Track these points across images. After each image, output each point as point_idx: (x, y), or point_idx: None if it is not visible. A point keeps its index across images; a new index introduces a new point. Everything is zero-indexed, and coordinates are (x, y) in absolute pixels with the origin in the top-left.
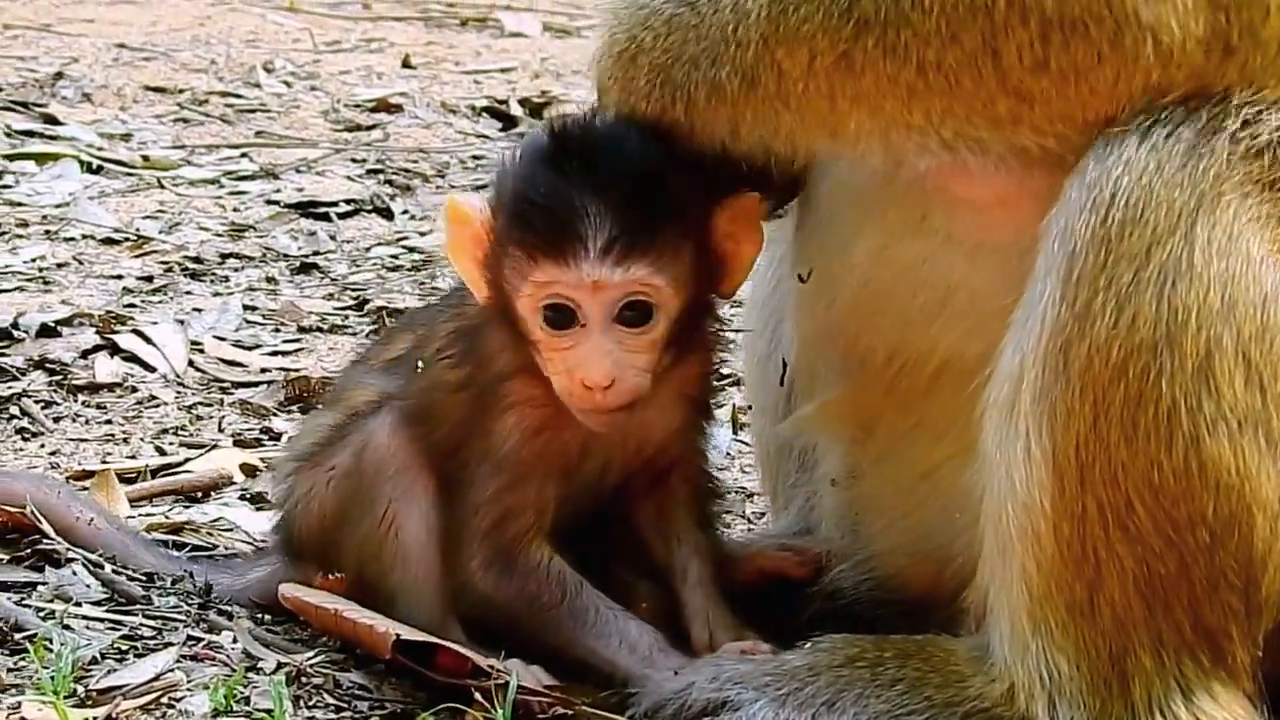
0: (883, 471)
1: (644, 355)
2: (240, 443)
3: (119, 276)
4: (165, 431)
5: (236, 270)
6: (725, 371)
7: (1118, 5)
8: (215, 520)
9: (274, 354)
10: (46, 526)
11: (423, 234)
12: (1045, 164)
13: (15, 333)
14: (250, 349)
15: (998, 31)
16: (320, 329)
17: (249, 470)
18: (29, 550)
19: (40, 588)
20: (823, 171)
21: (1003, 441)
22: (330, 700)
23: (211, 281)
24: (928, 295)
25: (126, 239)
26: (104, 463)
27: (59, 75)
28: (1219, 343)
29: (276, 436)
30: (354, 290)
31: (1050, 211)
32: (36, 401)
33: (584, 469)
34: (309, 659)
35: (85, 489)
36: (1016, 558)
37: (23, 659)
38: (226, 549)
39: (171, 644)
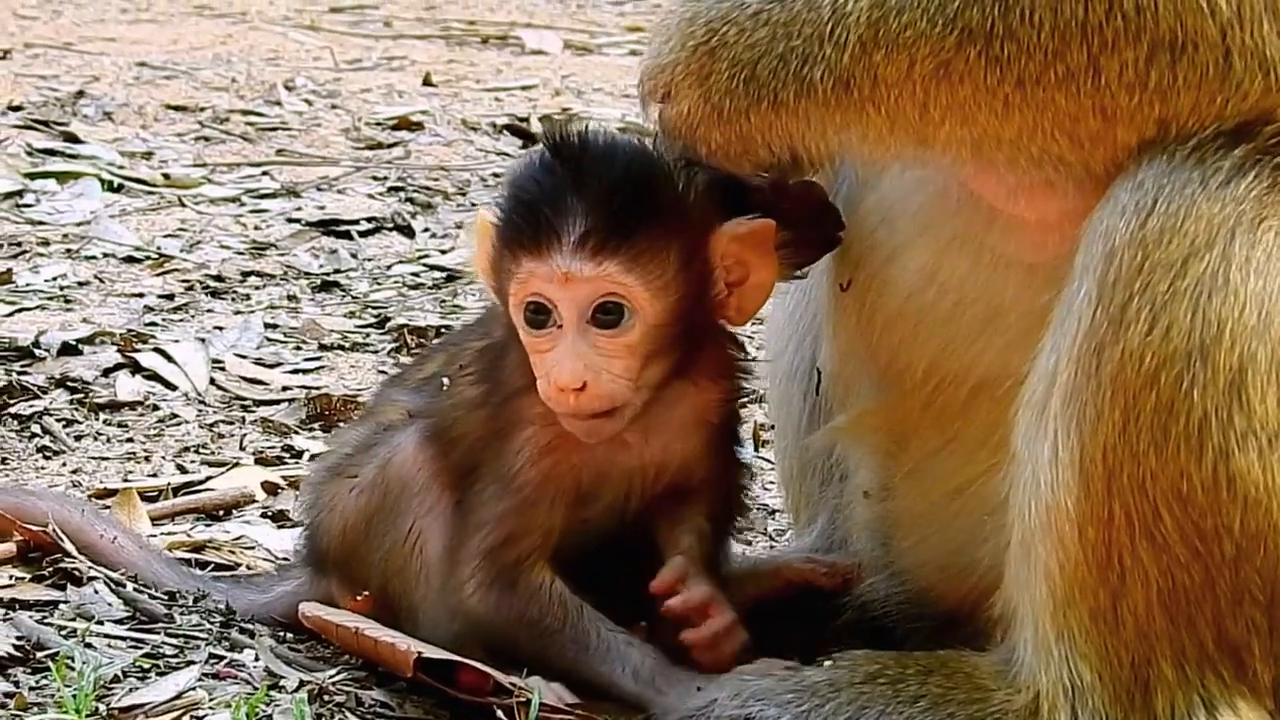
0: (915, 486)
1: (620, 360)
2: (262, 461)
3: (140, 295)
4: (187, 450)
5: (258, 288)
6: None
7: (1232, 31)
8: (237, 539)
9: (295, 372)
10: (69, 545)
11: (444, 252)
12: (1106, 183)
13: (37, 351)
14: (271, 367)
15: (1105, 49)
16: (341, 347)
17: (270, 488)
18: (51, 569)
19: (62, 606)
20: (872, 184)
21: (1032, 441)
22: (352, 718)
23: (233, 299)
24: (974, 313)
25: (148, 257)
26: (125, 481)
27: (80, 94)
28: (1253, 358)
29: (298, 454)
30: (375, 308)
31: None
32: (58, 420)
33: (603, 495)
34: (331, 677)
35: (107, 507)
36: (1040, 559)
37: (45, 677)
38: (249, 568)
39: (193, 662)
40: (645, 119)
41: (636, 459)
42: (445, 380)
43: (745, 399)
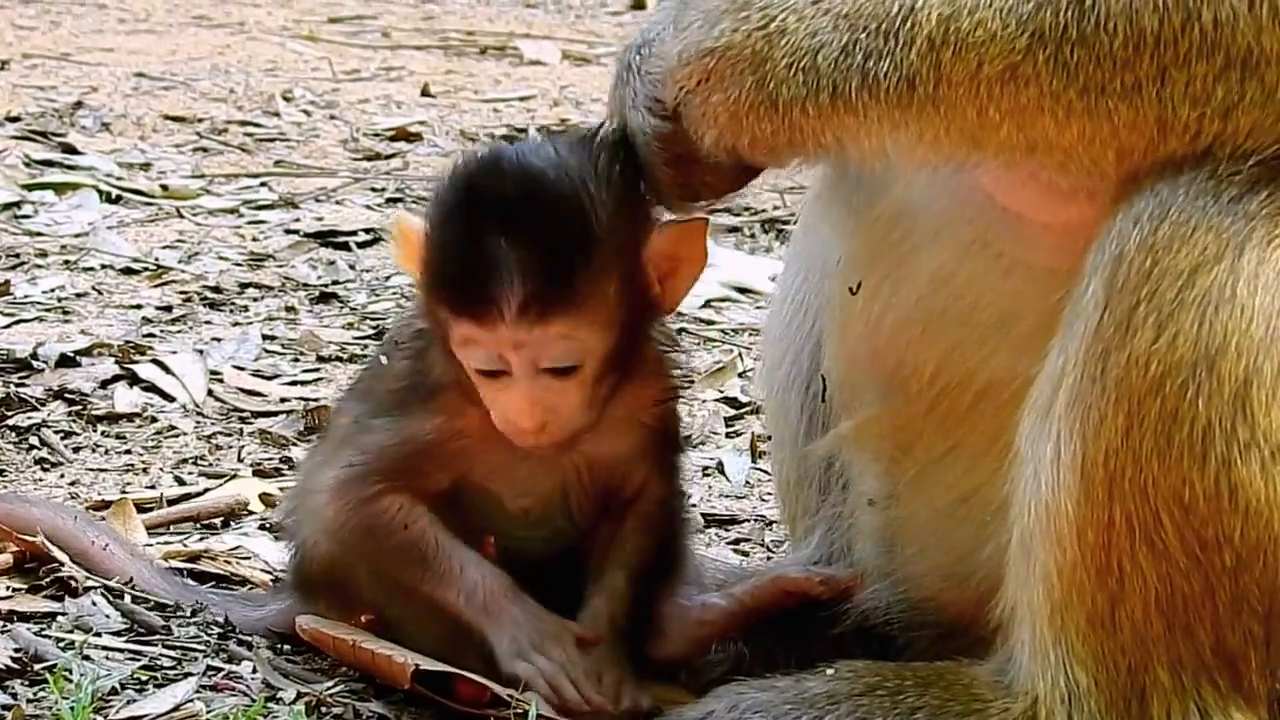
0: (919, 493)
1: (575, 395)
2: (260, 472)
3: (138, 306)
4: (185, 461)
5: (256, 300)
6: (743, 400)
7: None
8: (234, 549)
9: (293, 383)
10: (57, 552)
11: None
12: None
13: (34, 363)
14: (270, 378)
15: (1177, 62)
16: (340, 358)
17: (269, 500)
18: (48, 579)
19: (60, 618)
20: (883, 188)
21: (1035, 441)
22: None
23: (231, 311)
24: (986, 316)
25: (145, 268)
26: (124, 493)
27: (78, 105)
28: (1258, 372)
29: (296, 466)
30: (374, 319)
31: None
32: (56, 432)
33: (537, 487)
34: (329, 689)
35: (103, 518)
36: (1039, 559)
37: (42, 689)
38: (246, 580)
39: (191, 674)
40: (664, 102)
41: (563, 451)
42: (383, 359)
43: (681, 400)
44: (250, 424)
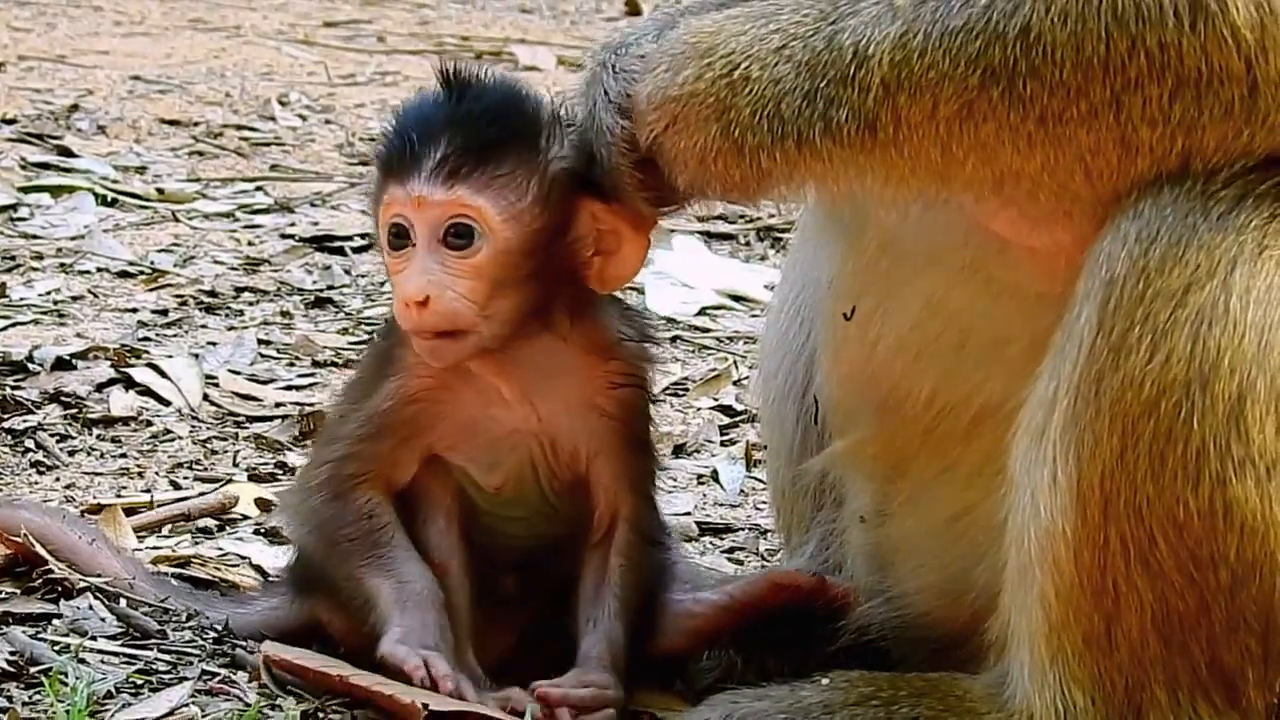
0: (913, 512)
1: (466, 281)
2: (255, 477)
3: (134, 310)
4: (180, 465)
5: (251, 304)
6: (738, 408)
7: (1258, 64)
8: (224, 554)
9: (288, 388)
10: (43, 551)
11: None
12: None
13: (30, 366)
14: (265, 383)
15: (1128, 86)
16: (335, 363)
17: (264, 505)
18: (41, 581)
19: (55, 621)
20: (875, 214)
21: (1030, 465)
22: None
23: (226, 315)
24: (979, 341)
25: (141, 272)
26: (119, 496)
27: (74, 108)
28: (1252, 388)
29: (291, 471)
30: (369, 324)
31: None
32: (51, 435)
33: (501, 460)
34: (326, 696)
35: (95, 522)
36: (1036, 582)
37: (38, 693)
38: (235, 585)
39: (187, 678)
40: (639, 143)
41: (520, 419)
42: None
43: (648, 393)
44: (245, 428)
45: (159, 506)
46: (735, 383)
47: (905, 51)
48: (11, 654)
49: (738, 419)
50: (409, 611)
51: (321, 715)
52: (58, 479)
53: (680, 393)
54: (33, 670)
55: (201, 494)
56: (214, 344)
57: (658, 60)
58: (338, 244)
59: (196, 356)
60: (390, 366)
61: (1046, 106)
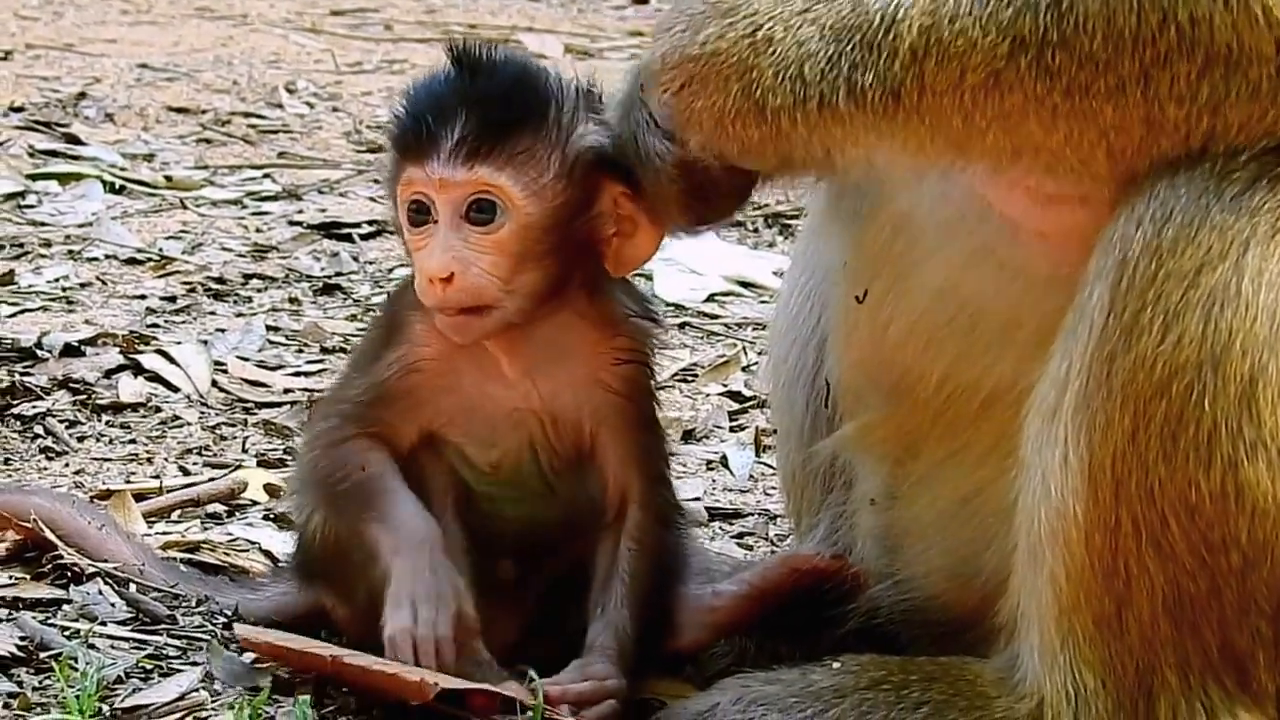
0: (923, 494)
1: (489, 257)
2: (264, 463)
3: (142, 296)
4: (189, 451)
5: (259, 291)
6: (747, 394)
7: None
8: (233, 540)
9: (297, 374)
10: (52, 537)
11: None
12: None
13: (39, 352)
14: (273, 369)
15: (1157, 61)
16: (343, 350)
17: (273, 490)
18: (50, 567)
19: (65, 607)
20: (888, 196)
21: (1042, 446)
22: None
23: (235, 302)
24: (991, 324)
25: (149, 259)
26: (128, 482)
27: (81, 95)
28: (1264, 370)
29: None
30: (376, 311)
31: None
32: (60, 421)
33: (499, 439)
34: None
35: (105, 508)
36: (1046, 564)
37: (48, 678)
38: (244, 571)
39: (197, 663)
40: (647, 103)
41: (520, 397)
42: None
43: (652, 370)
44: (254, 414)
45: (168, 492)
46: (744, 369)
47: (935, 18)
48: (21, 639)
49: (747, 405)
50: (408, 561)
51: (329, 700)
52: (67, 465)
53: (689, 379)
54: (42, 655)
55: (211, 480)
56: (222, 330)
57: (674, 20)
58: (346, 231)
59: (205, 343)
60: (394, 336)
61: (1074, 79)
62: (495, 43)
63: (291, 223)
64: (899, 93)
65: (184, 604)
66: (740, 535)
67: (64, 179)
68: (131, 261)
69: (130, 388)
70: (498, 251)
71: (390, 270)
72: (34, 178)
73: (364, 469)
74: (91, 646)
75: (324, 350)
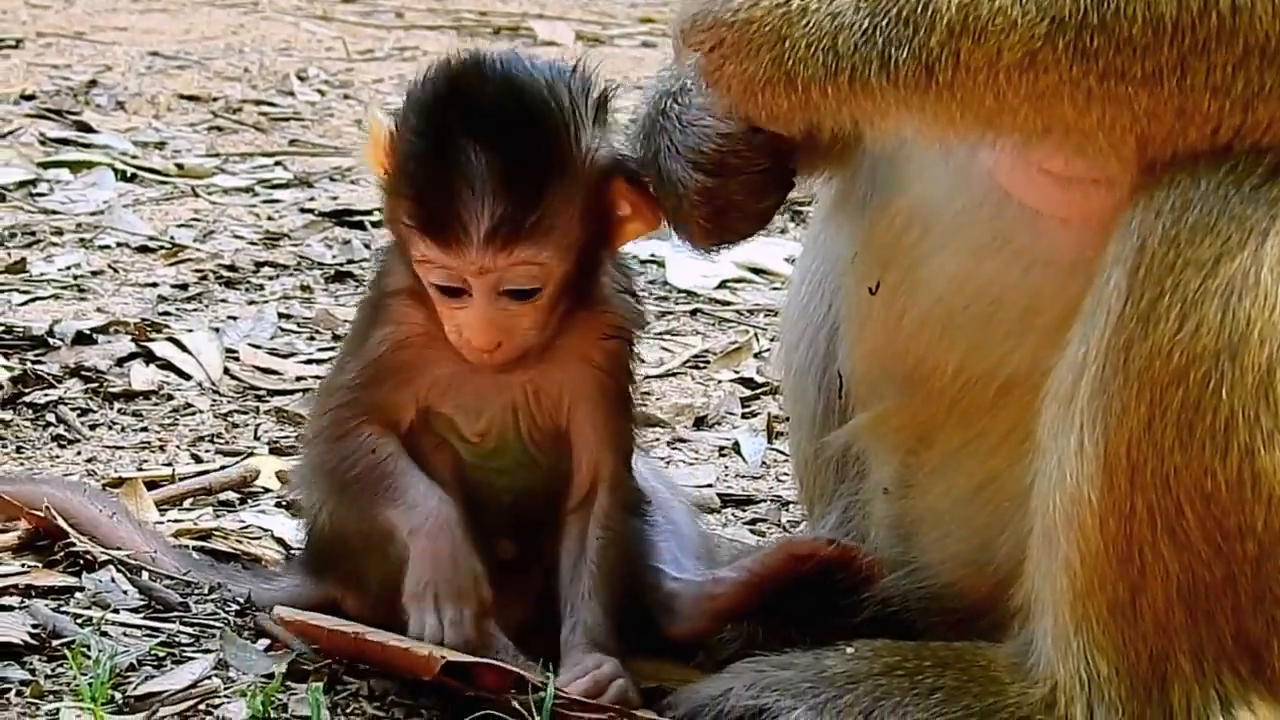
0: (938, 483)
1: (530, 318)
2: (276, 450)
3: (154, 284)
4: (201, 439)
5: (271, 278)
6: (759, 381)
7: None
8: (245, 527)
9: (309, 362)
10: (64, 524)
11: None
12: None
13: (51, 340)
14: (285, 357)
15: (1196, 49)
16: None
17: (285, 478)
18: (62, 555)
19: (78, 594)
20: (900, 186)
21: (1058, 432)
22: (368, 708)
23: (246, 290)
24: (1007, 313)
25: (161, 247)
26: (140, 470)
27: (93, 83)
28: None
29: None
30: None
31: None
32: (73, 409)
33: (484, 409)
34: (346, 666)
35: (117, 496)
36: (1061, 549)
37: (60, 665)
38: (257, 558)
39: (209, 651)
40: (708, 155)
41: (506, 369)
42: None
43: (633, 347)
44: (266, 402)
45: (180, 480)
46: (756, 355)
47: None
48: (34, 627)
49: (759, 391)
50: (426, 546)
51: (341, 686)
52: (79, 453)
53: (701, 365)
54: (55, 643)
55: (223, 467)
56: (234, 318)
57: None
58: (357, 218)
59: (217, 331)
60: (381, 315)
61: (1110, 63)
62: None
63: (303, 210)
64: (933, 69)
65: (196, 591)
66: (753, 521)
67: (75, 167)
68: (143, 249)
69: (142, 375)
70: (537, 313)
71: None
72: (45, 166)
73: (373, 453)
74: (104, 634)
75: (335, 337)
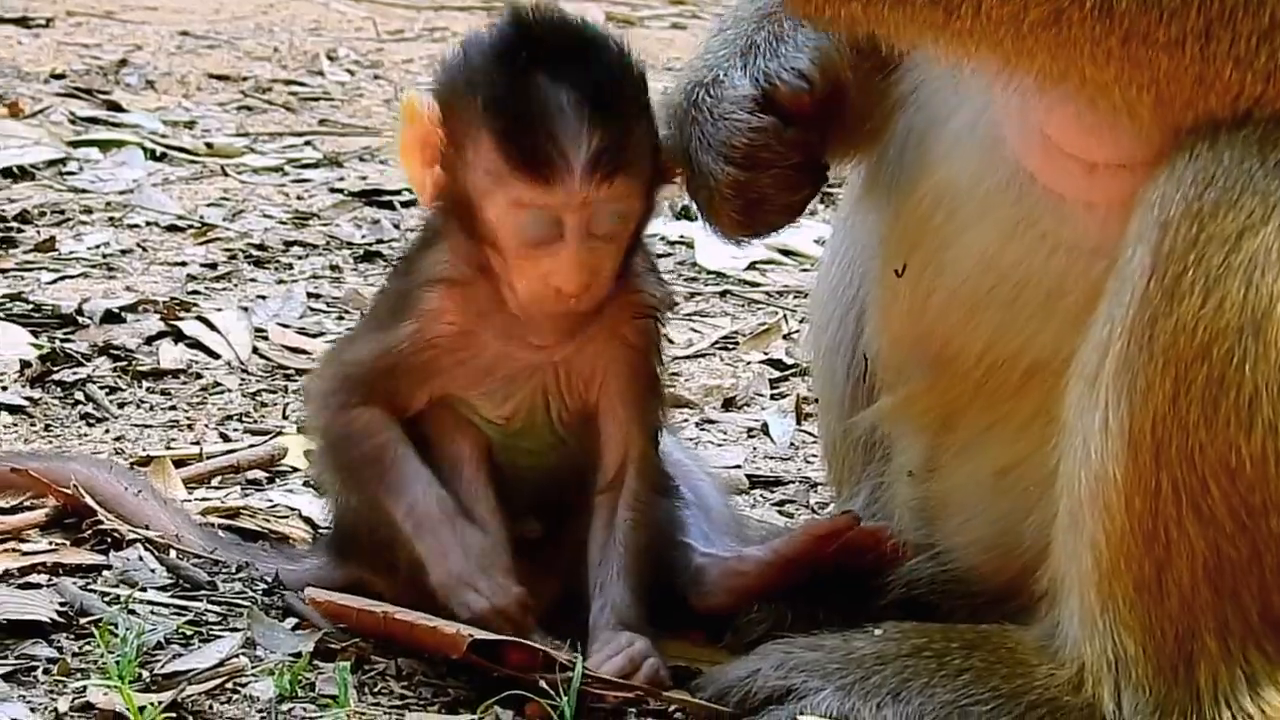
0: (963, 465)
1: (610, 261)
2: (304, 429)
3: (183, 263)
4: (229, 418)
5: (300, 258)
6: (788, 362)
7: None
8: (273, 506)
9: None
10: (91, 502)
11: None
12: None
13: (80, 319)
14: (314, 336)
15: (1222, 17)
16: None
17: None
18: (90, 533)
19: (105, 573)
20: (927, 169)
21: (1083, 410)
22: (395, 687)
23: (275, 269)
24: (1032, 296)
25: (190, 226)
26: (168, 448)
27: (123, 62)
28: None
29: None
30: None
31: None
32: (101, 387)
33: (515, 391)
34: (374, 646)
35: (145, 474)
36: (1087, 528)
37: (88, 643)
38: (285, 537)
39: (237, 629)
40: (740, 149)
41: (542, 355)
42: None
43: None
44: (294, 381)
45: (208, 459)
46: (785, 337)
47: None
48: (61, 605)
49: (788, 372)
50: (433, 538)
51: (368, 665)
52: (107, 431)
53: (730, 346)
54: (83, 621)
55: (251, 446)
56: (263, 297)
57: None
58: (386, 198)
59: (246, 310)
60: (409, 307)
61: (1135, 25)
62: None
63: (332, 190)
64: (952, 11)
65: (224, 570)
66: (781, 503)
67: (105, 146)
68: (172, 228)
69: (171, 354)
70: (615, 256)
71: None
72: (75, 145)
73: (372, 437)
74: (132, 612)
75: (364, 317)
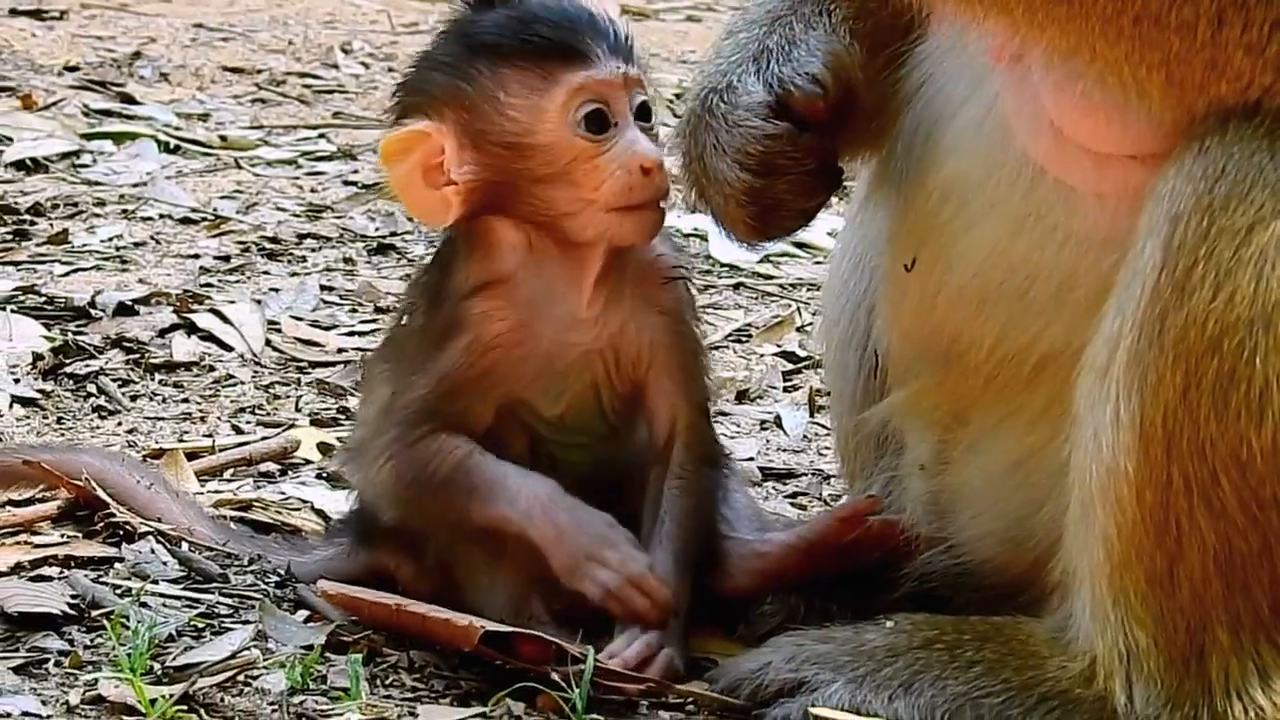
0: (974, 459)
1: (655, 140)
2: (317, 422)
3: (196, 256)
4: (242, 410)
5: (314, 250)
6: (801, 354)
7: None
8: (285, 499)
9: (351, 334)
10: (103, 494)
11: None
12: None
13: (93, 311)
14: (327, 329)
15: (1235, 4)
16: (396, 309)
17: (325, 449)
18: (102, 525)
19: (117, 565)
20: (936, 163)
21: (1094, 403)
22: (406, 679)
23: (289, 261)
24: (1042, 289)
25: (204, 218)
26: (181, 441)
27: (137, 55)
28: None
29: (353, 416)
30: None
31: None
32: (114, 380)
33: (567, 386)
34: (386, 638)
35: (158, 467)
36: (1098, 521)
37: (100, 636)
38: (297, 529)
39: (249, 622)
40: (754, 155)
41: (591, 338)
42: (404, 319)
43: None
44: (308, 374)
45: (221, 451)
46: (798, 329)
47: None
48: (73, 597)
49: (801, 365)
50: (549, 525)
51: (380, 658)
52: (120, 424)
53: (743, 339)
54: (94, 613)
55: (263, 439)
56: (276, 290)
57: None
58: None
59: (259, 302)
60: (457, 328)
61: (1147, 5)
62: None
63: (346, 183)
64: None
65: (236, 563)
66: (794, 495)
67: (119, 138)
68: (186, 221)
69: (184, 347)
70: (658, 143)
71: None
72: (89, 137)
73: (452, 454)
74: (143, 605)
75: (378, 310)
